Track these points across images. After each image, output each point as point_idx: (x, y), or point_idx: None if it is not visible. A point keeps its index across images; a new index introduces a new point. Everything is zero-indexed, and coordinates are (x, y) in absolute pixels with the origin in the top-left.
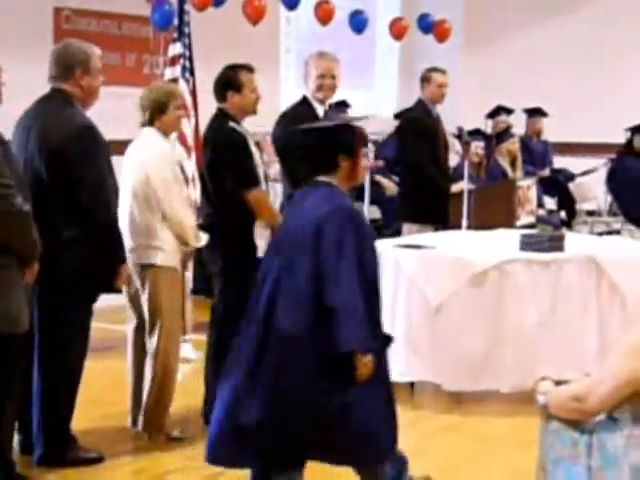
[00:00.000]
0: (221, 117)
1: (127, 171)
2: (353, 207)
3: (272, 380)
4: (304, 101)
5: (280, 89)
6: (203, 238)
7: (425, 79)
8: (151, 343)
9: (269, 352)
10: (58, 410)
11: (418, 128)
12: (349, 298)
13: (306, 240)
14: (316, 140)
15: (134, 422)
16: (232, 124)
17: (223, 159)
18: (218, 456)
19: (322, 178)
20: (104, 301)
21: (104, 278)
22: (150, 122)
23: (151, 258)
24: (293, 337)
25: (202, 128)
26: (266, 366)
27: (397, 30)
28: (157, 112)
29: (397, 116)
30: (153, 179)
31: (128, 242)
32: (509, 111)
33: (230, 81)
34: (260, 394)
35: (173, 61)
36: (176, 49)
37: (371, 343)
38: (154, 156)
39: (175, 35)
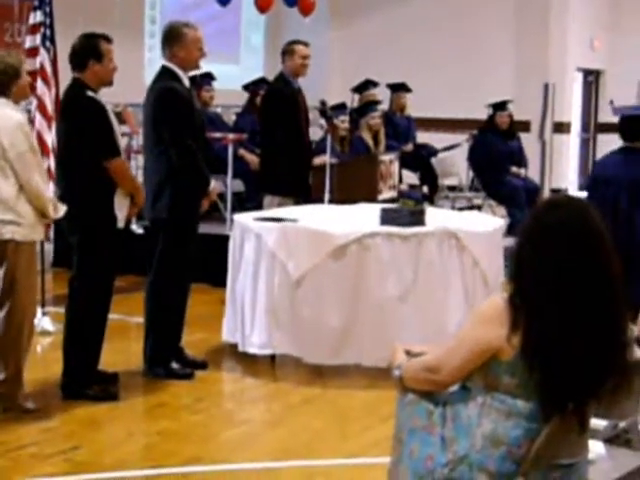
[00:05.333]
0: (78, 86)
1: None
2: None
3: None
4: (168, 72)
5: (143, 60)
6: (62, 209)
7: (288, 52)
8: (3, 318)
9: None
10: None
11: (278, 101)
12: None
13: None
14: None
15: None
16: (90, 93)
17: (82, 129)
18: None
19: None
20: None
21: None
22: (1, 91)
23: (10, 234)
24: None
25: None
26: None
27: (262, 3)
28: (13, 77)
29: (246, 88)
30: (9, 151)
31: None
32: (375, 85)
33: (92, 50)
34: None
35: (33, 29)
36: (37, 17)
37: None
38: (9, 127)
39: (36, 3)
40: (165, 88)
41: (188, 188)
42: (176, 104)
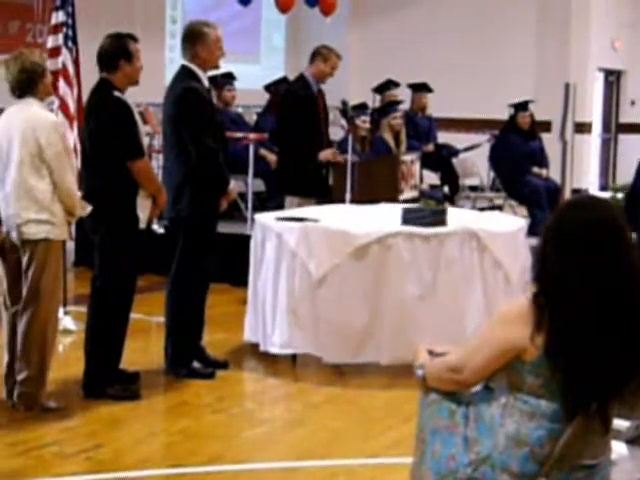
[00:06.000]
0: (105, 86)
1: (10, 142)
2: None
3: None
4: (188, 71)
5: (165, 60)
6: (88, 208)
7: (322, 55)
8: (29, 316)
9: None
10: None
11: (294, 103)
12: None
13: None
14: None
15: (9, 394)
16: (117, 93)
17: (109, 128)
18: None
19: None
20: None
21: None
22: (29, 90)
23: (44, 233)
24: None
25: (84, 98)
26: None
27: (283, 3)
28: (40, 75)
29: (267, 88)
30: (46, 151)
31: (15, 216)
32: (397, 85)
33: (122, 50)
34: None
35: (55, 29)
36: (59, 17)
37: None
38: (46, 126)
39: (58, 3)
40: (186, 88)
41: (208, 188)
42: (197, 104)
